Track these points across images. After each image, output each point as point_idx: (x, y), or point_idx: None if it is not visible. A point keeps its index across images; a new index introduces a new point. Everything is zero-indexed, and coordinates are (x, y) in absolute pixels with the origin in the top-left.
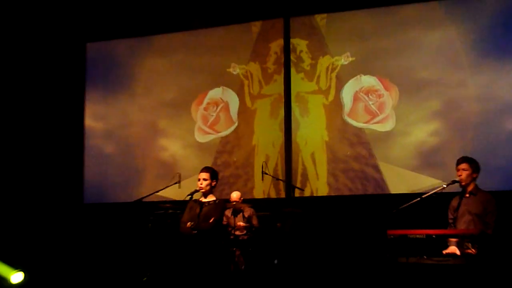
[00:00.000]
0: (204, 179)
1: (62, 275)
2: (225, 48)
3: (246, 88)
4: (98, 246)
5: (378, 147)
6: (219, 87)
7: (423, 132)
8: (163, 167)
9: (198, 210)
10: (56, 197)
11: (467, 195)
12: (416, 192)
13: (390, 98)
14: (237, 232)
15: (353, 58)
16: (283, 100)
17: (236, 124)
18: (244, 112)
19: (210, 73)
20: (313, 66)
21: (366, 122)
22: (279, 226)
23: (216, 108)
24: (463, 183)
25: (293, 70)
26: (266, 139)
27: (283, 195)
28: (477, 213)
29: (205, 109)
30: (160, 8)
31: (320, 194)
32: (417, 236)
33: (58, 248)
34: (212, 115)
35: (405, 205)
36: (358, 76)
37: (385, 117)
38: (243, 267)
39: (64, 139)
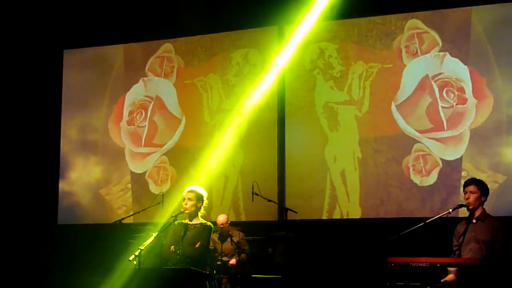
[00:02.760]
0: (189, 199)
1: None
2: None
3: (204, 102)
4: (73, 269)
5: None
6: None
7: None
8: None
9: (182, 233)
10: (28, 217)
11: (474, 220)
12: None
13: (474, 110)
14: (225, 258)
15: (390, 65)
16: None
17: (183, 121)
18: (202, 128)
19: None
20: (344, 73)
21: (422, 131)
22: (271, 251)
23: (145, 114)
24: (470, 207)
25: (319, 78)
26: (225, 158)
27: (243, 218)
28: (485, 241)
29: (129, 122)
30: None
31: (352, 217)
32: (420, 264)
33: (31, 271)
34: (143, 125)
35: (408, 231)
36: (441, 53)
37: (457, 136)
38: None
39: (40, 153)
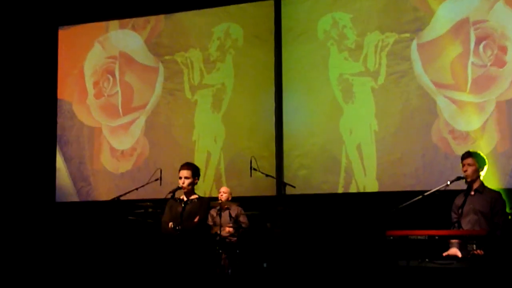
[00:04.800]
0: (186, 178)
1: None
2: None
3: (185, 77)
4: (71, 248)
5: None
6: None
7: None
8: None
9: (180, 209)
10: (26, 195)
11: (473, 192)
12: None
13: (510, 79)
14: (223, 233)
15: (407, 35)
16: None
17: (161, 69)
18: (183, 105)
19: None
20: (359, 44)
21: (439, 85)
22: (269, 226)
23: (113, 78)
24: (468, 179)
25: (333, 49)
26: (207, 134)
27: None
28: (483, 212)
29: (97, 95)
30: None
31: (368, 190)
32: (419, 237)
33: (29, 250)
34: (115, 91)
35: (406, 204)
36: None
37: (478, 103)
38: (229, 271)
39: (36, 132)
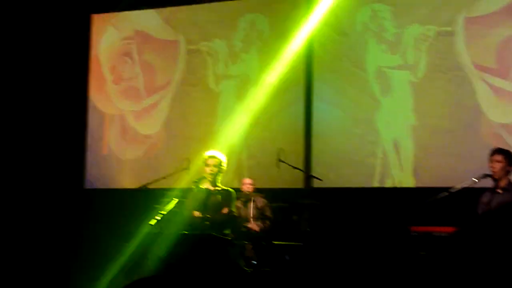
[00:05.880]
0: (214, 165)
1: (61, 264)
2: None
3: (210, 68)
4: (99, 235)
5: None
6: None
7: None
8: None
9: (205, 199)
10: (55, 182)
11: (500, 190)
12: None
13: None
14: (248, 224)
15: (448, 28)
16: (252, 83)
17: (182, 42)
18: (207, 95)
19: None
20: (399, 36)
21: (479, 67)
22: (295, 219)
23: (131, 59)
24: (496, 177)
25: (372, 41)
26: (230, 125)
27: None
28: None
29: (115, 80)
30: None
31: (404, 185)
32: (442, 234)
33: (57, 236)
34: (135, 74)
35: (431, 199)
36: None
37: None
38: (255, 262)
39: (66, 119)
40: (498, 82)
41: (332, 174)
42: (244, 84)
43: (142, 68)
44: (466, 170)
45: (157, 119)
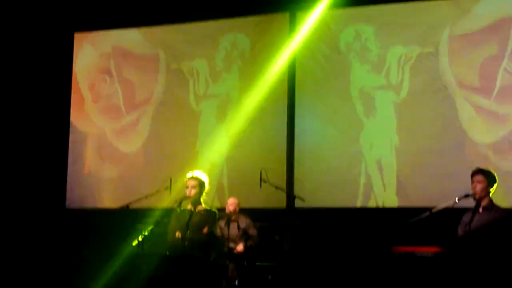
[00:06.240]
0: (193, 187)
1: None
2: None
3: (191, 87)
4: (79, 255)
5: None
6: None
7: None
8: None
9: (187, 219)
10: (36, 201)
11: (481, 210)
12: None
13: None
14: (231, 244)
15: (431, 49)
16: (233, 102)
17: (162, 56)
18: (187, 114)
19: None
20: (382, 57)
21: (463, 85)
22: (278, 239)
23: (110, 76)
24: (477, 197)
25: (355, 62)
26: (210, 145)
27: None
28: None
29: (94, 99)
30: None
31: (387, 206)
32: (425, 254)
33: (37, 257)
34: (114, 90)
35: (413, 220)
36: None
37: (502, 115)
38: (236, 282)
39: (48, 136)
40: (481, 101)
41: (314, 194)
42: (224, 103)
43: (121, 85)
44: (452, 189)
45: (138, 136)
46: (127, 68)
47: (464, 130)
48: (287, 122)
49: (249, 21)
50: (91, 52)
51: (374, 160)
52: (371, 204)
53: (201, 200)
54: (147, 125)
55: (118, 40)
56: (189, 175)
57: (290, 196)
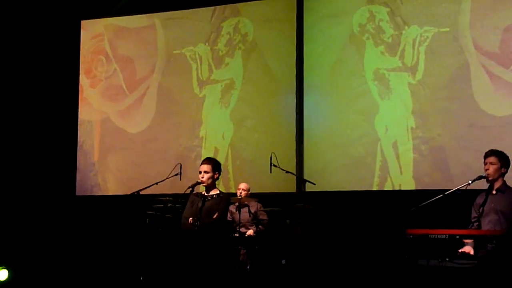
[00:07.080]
0: (206, 172)
1: (51, 272)
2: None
3: (194, 73)
4: (91, 242)
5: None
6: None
7: None
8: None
9: (200, 204)
10: (46, 189)
11: (494, 192)
12: None
13: None
14: (242, 229)
15: (447, 29)
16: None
17: (158, 25)
18: (191, 100)
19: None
20: (396, 38)
21: (481, 52)
22: (289, 223)
23: (106, 56)
24: (490, 178)
25: (369, 43)
26: (215, 130)
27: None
28: (504, 212)
29: (92, 84)
30: None
31: (404, 188)
32: (439, 236)
33: (48, 244)
34: (112, 71)
35: (426, 203)
36: None
37: None
38: (248, 267)
39: (56, 126)
40: (496, 68)
41: (326, 178)
42: (228, 88)
43: (120, 63)
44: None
45: (145, 114)
46: (123, 44)
47: (480, 109)
48: (296, 105)
49: (251, 4)
50: (82, 37)
51: (390, 143)
52: (388, 187)
53: (216, 184)
54: (153, 100)
55: (109, 18)
56: (202, 160)
57: (301, 180)
